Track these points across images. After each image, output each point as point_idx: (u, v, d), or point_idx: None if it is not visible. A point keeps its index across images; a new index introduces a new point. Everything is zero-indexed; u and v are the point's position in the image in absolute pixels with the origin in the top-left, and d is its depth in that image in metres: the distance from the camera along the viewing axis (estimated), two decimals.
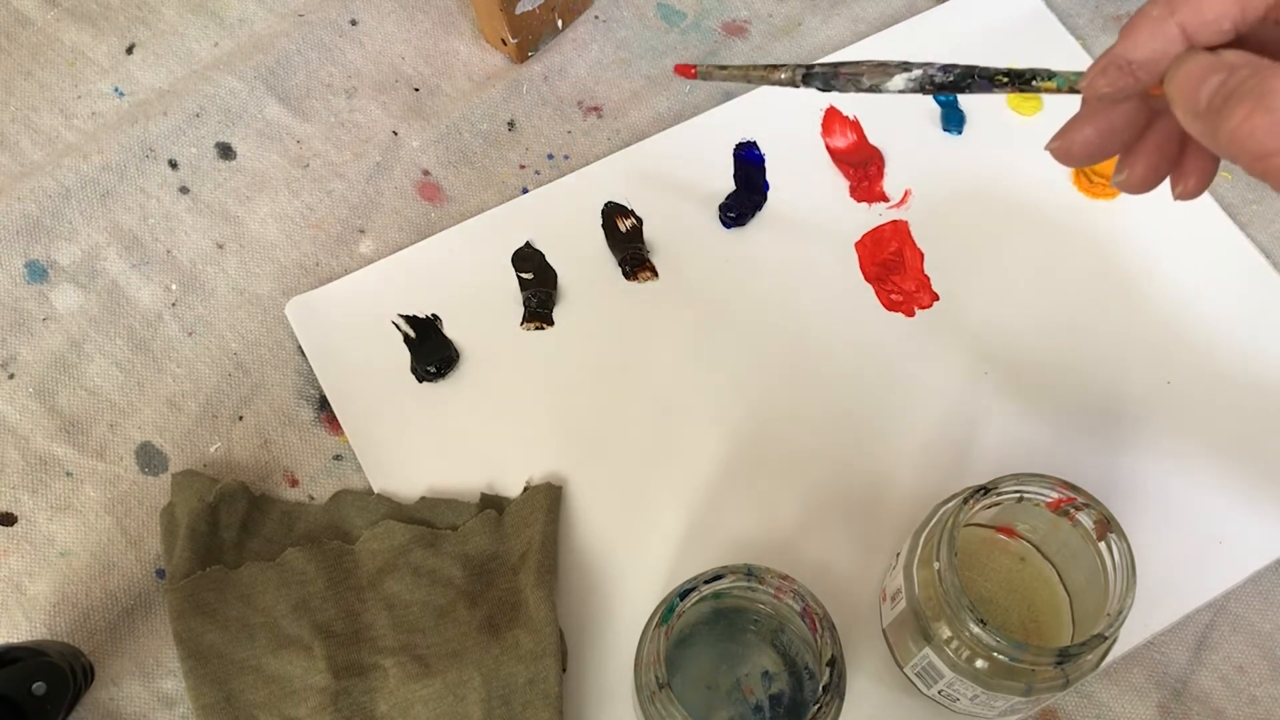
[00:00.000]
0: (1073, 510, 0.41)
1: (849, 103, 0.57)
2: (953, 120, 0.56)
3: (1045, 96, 0.57)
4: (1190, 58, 0.28)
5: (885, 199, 0.55)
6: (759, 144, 0.56)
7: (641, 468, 0.49)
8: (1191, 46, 0.29)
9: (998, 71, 0.33)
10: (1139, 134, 0.33)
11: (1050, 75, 0.32)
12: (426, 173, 0.56)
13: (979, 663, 0.39)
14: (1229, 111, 0.27)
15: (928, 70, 0.34)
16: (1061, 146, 0.33)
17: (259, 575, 0.46)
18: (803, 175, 0.55)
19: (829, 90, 0.37)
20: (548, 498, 0.48)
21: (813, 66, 0.37)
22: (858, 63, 0.35)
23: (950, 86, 0.34)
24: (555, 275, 0.53)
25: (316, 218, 0.55)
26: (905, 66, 0.34)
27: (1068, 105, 0.56)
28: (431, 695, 0.43)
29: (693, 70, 0.42)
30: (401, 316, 0.52)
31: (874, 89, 0.35)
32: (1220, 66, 0.27)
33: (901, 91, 0.34)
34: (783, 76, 0.38)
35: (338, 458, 0.50)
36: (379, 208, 0.55)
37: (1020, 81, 0.32)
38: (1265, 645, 0.47)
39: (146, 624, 0.47)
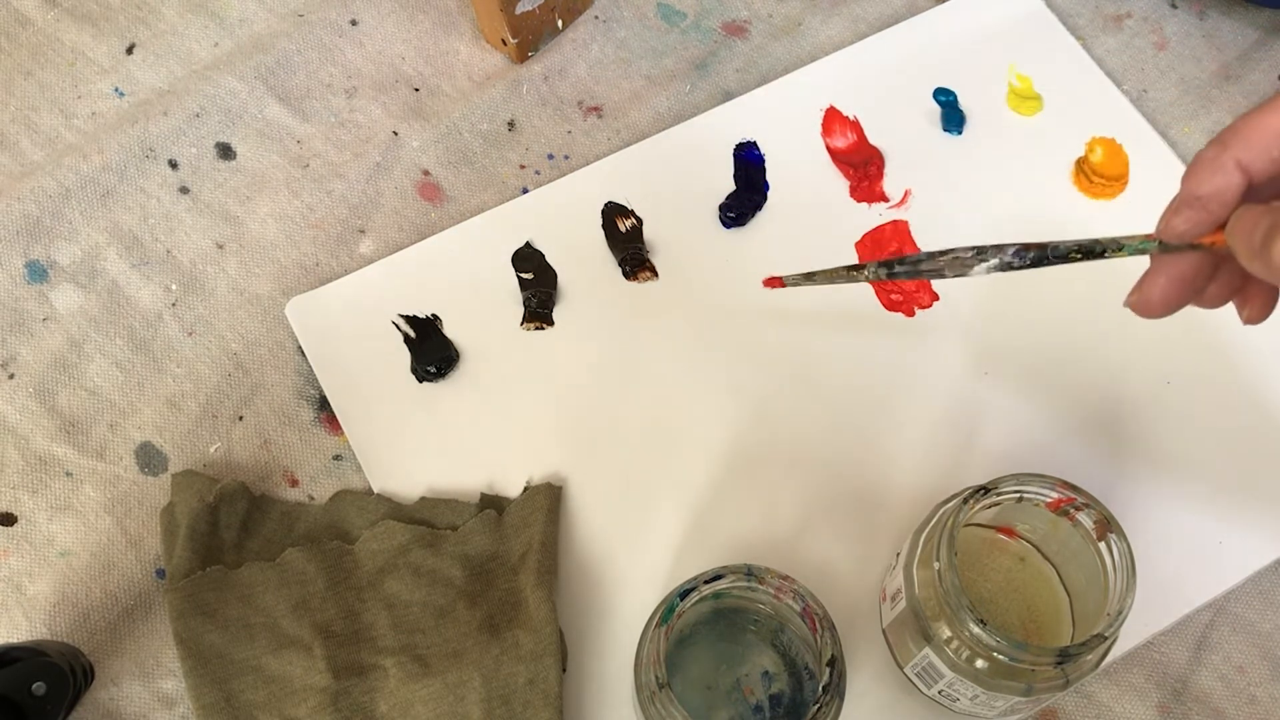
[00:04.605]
0: (1073, 510, 0.41)
1: (849, 103, 0.57)
2: (953, 120, 0.56)
3: (1046, 97, 0.57)
4: (1244, 210, 0.32)
5: (885, 199, 0.55)
6: (759, 144, 0.56)
7: (641, 468, 0.49)
8: (1250, 178, 0.32)
9: (1070, 249, 0.35)
10: (1207, 280, 0.36)
11: (1119, 245, 0.35)
12: (426, 173, 0.56)
13: (979, 663, 0.39)
14: (1275, 244, 0.30)
15: (1003, 258, 0.36)
16: (1140, 300, 0.37)
17: (259, 575, 0.46)
18: (803, 175, 0.55)
19: (911, 278, 0.39)
20: (548, 498, 0.48)
21: (893, 265, 0.39)
22: (934, 257, 0.37)
23: (1027, 266, 0.36)
24: (555, 275, 0.53)
25: (316, 218, 0.55)
26: (981, 256, 0.36)
27: (1066, 106, 0.56)
28: (431, 695, 0.43)
29: (780, 282, 0.44)
30: (401, 316, 0.52)
31: (959, 275, 0.38)
32: (1269, 212, 0.31)
33: (986, 272, 0.37)
34: (866, 275, 0.40)
35: (338, 458, 0.50)
36: (379, 208, 0.55)
37: (1091, 255, 0.35)
38: (1265, 645, 0.47)
39: (146, 624, 0.47)
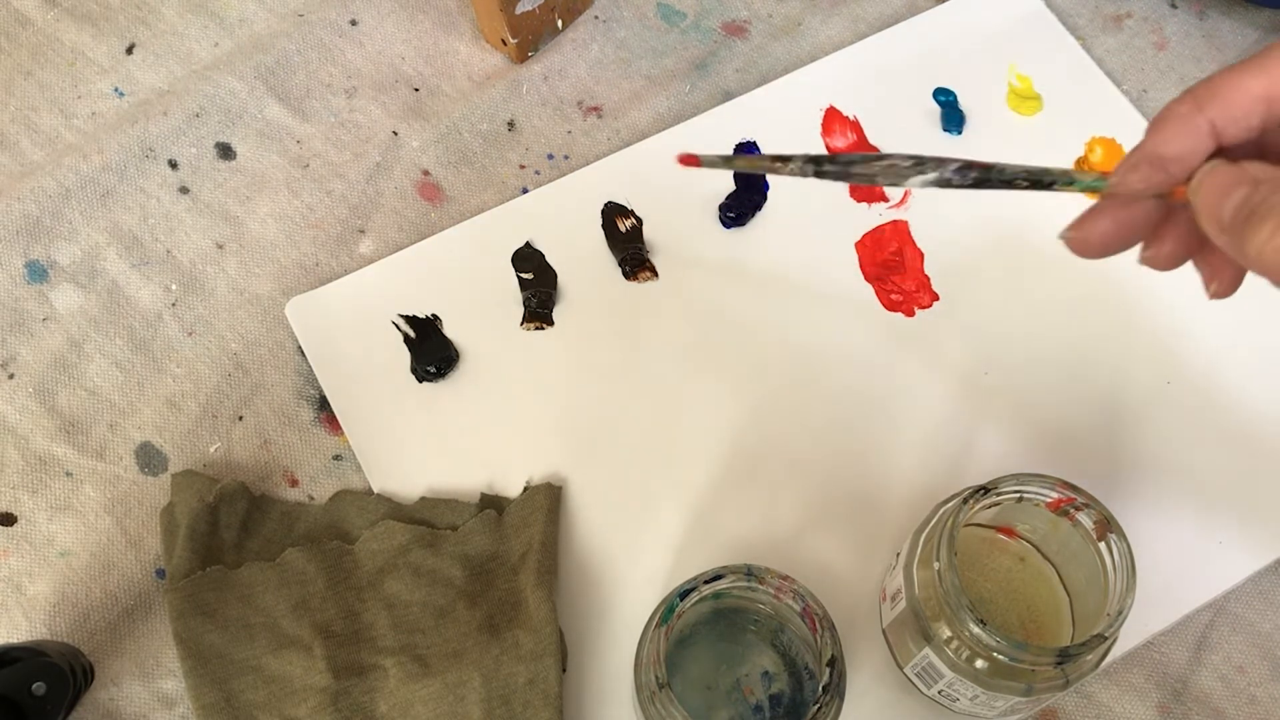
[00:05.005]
0: (1073, 510, 0.41)
1: (849, 103, 0.57)
2: (953, 120, 0.56)
3: (1046, 97, 0.57)
4: (1215, 170, 0.28)
5: (885, 199, 0.55)
6: (759, 144, 0.56)
7: (641, 468, 0.49)
8: (1220, 143, 0.29)
9: (1016, 174, 0.32)
10: (1155, 226, 0.32)
11: (1070, 180, 0.32)
12: (426, 173, 0.56)
13: (979, 663, 0.39)
14: (1253, 229, 0.26)
15: (943, 172, 0.33)
16: (1078, 237, 0.33)
17: (259, 575, 0.46)
18: None
19: (840, 181, 0.35)
20: (548, 498, 0.48)
21: (822, 163, 0.35)
22: (869, 161, 0.34)
23: (967, 186, 0.33)
24: (555, 275, 0.53)
25: (316, 218, 0.55)
26: (920, 167, 0.33)
27: (1066, 106, 0.56)
28: (431, 695, 0.43)
29: (696, 160, 0.40)
30: (401, 316, 0.52)
31: (892, 184, 0.34)
32: (1244, 180, 0.27)
33: (922, 185, 0.33)
34: (792, 168, 0.35)
35: (338, 458, 0.50)
36: (379, 208, 0.55)
37: (1039, 185, 0.32)
38: (1265, 645, 0.47)
39: (146, 624, 0.47)
